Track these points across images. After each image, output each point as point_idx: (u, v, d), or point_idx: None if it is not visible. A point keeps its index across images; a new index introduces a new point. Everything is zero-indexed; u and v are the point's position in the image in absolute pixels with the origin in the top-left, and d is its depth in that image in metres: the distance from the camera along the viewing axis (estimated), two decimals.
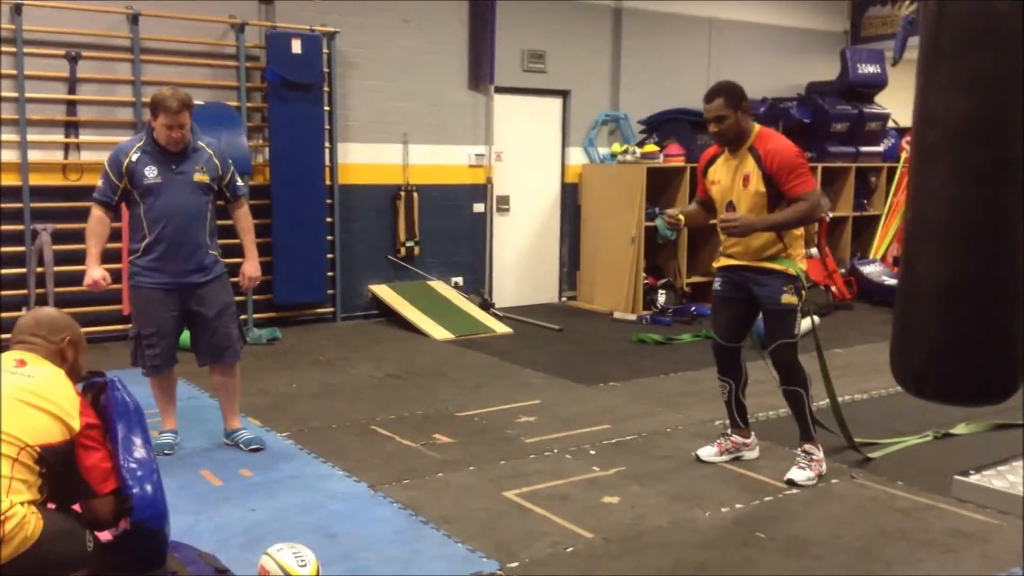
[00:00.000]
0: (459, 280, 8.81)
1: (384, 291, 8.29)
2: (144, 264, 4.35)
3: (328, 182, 7.88)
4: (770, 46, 10.49)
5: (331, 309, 8.12)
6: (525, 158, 9.19)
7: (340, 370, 6.37)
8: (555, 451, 4.64)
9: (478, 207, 8.88)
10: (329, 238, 7.94)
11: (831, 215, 9.50)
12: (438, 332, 7.63)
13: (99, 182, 4.37)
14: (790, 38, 10.69)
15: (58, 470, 2.52)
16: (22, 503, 2.37)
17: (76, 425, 2.55)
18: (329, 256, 7.96)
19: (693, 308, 8.44)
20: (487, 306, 8.53)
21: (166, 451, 4.39)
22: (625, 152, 9.05)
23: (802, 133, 9.33)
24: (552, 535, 3.61)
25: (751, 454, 4.48)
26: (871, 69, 9.84)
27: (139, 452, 2.62)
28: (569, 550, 3.49)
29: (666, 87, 9.54)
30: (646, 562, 3.39)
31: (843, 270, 9.70)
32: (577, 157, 9.41)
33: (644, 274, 8.75)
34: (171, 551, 2.77)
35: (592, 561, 3.39)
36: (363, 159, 8.18)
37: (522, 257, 9.34)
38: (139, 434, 2.66)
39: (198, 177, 4.37)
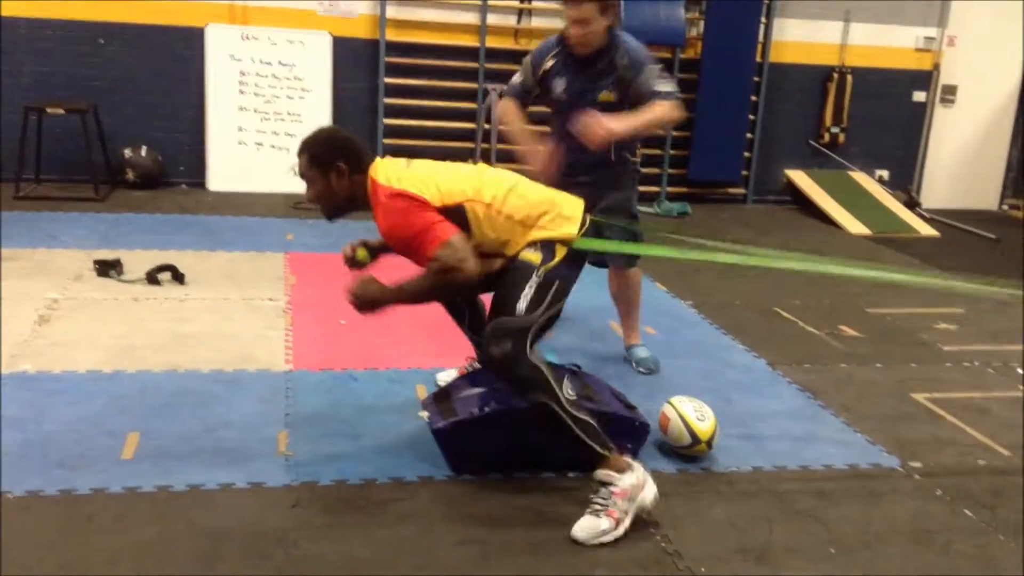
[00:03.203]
0: (884, 174, 8.22)
1: (800, 177, 8.00)
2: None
3: (759, 59, 7.66)
4: None
5: (743, 190, 8.03)
6: (983, 44, 8.17)
7: None
8: (976, 363, 4.28)
9: (918, 96, 8.15)
10: (751, 117, 7.77)
11: None
12: (854, 226, 7.24)
13: (515, 77, 3.80)
14: None
15: None
16: None
17: None
18: (748, 136, 7.82)
19: None
20: (913, 205, 7.90)
21: None
22: None
23: None
24: (962, 445, 3.38)
25: None
26: None
27: None
28: (981, 463, 3.25)
29: None
30: None
31: None
32: None
33: None
34: (589, 381, 3.03)
35: (1006, 479, 3.13)
36: (798, 36, 7.81)
37: (962, 155, 8.45)
38: None
39: (604, 97, 3.57)
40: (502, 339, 2.60)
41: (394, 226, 2.68)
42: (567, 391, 2.63)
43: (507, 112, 3.77)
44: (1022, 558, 2.65)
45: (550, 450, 2.86)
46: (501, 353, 2.59)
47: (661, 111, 3.47)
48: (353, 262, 2.96)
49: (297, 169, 2.82)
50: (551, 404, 2.59)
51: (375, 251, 3.00)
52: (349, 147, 2.78)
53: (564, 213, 2.79)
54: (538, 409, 2.61)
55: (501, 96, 3.91)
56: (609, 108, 3.48)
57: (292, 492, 2.75)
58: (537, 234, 2.73)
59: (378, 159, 2.81)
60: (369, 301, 2.72)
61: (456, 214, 2.69)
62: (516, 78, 3.78)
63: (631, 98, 3.53)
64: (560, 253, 2.72)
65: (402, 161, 2.83)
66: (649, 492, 2.64)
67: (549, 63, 3.62)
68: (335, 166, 2.73)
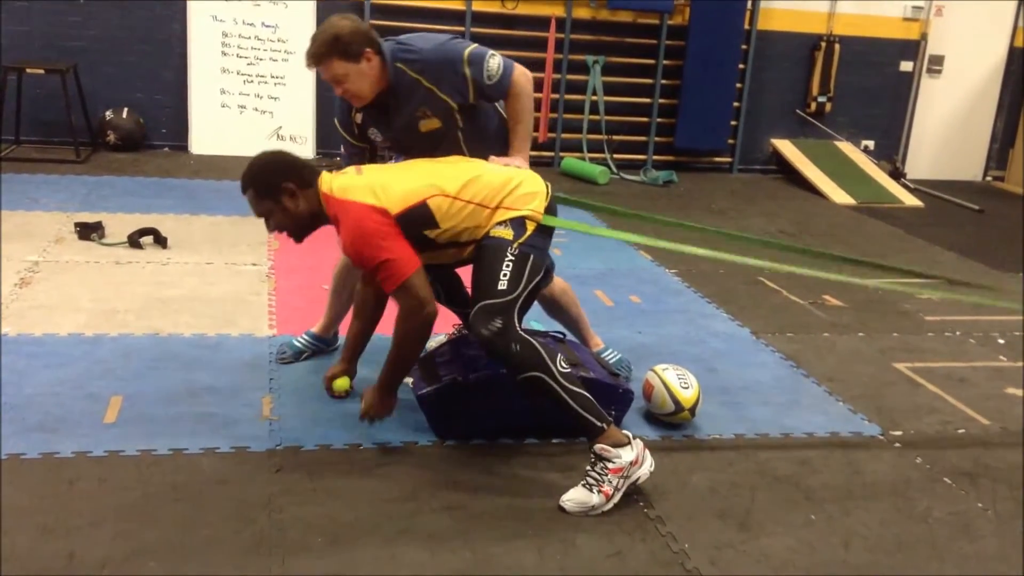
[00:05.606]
0: (870, 144, 8.23)
1: (786, 147, 7.99)
2: None
3: (747, 26, 7.62)
4: None
5: (729, 159, 8.01)
6: (971, 15, 8.15)
7: (732, 220, 6.33)
8: (957, 333, 4.31)
9: (905, 66, 8.13)
10: (738, 86, 7.74)
11: None
12: (838, 195, 7.26)
13: (343, 147, 3.26)
14: None
15: None
16: None
17: None
18: (735, 104, 7.79)
19: None
20: (898, 175, 7.92)
21: None
22: None
23: None
24: (943, 413, 3.41)
25: None
26: None
27: None
28: (960, 431, 3.28)
29: None
30: None
31: None
32: None
33: None
34: (573, 348, 3.03)
35: (985, 446, 3.16)
36: (787, 4, 7.76)
37: (947, 126, 8.46)
38: None
39: (427, 126, 2.99)
40: (490, 320, 2.57)
41: (355, 248, 2.62)
42: (560, 364, 2.61)
43: None
44: (999, 525, 2.68)
45: (534, 416, 2.87)
46: (491, 333, 2.56)
47: (519, 106, 3.01)
48: (336, 393, 3.08)
49: (250, 207, 2.74)
50: (546, 378, 2.56)
51: (351, 370, 3.10)
52: (289, 165, 2.71)
53: (527, 189, 2.74)
54: (533, 383, 2.57)
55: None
56: (437, 136, 2.99)
57: (276, 456, 2.74)
58: (505, 214, 2.70)
59: (323, 172, 2.73)
60: (381, 407, 2.82)
61: (419, 213, 2.63)
62: (343, 147, 3.24)
63: (487, 97, 3.02)
64: (530, 227, 2.70)
65: (351, 170, 2.77)
66: (645, 468, 2.65)
67: (359, 117, 3.06)
68: (284, 188, 2.66)
